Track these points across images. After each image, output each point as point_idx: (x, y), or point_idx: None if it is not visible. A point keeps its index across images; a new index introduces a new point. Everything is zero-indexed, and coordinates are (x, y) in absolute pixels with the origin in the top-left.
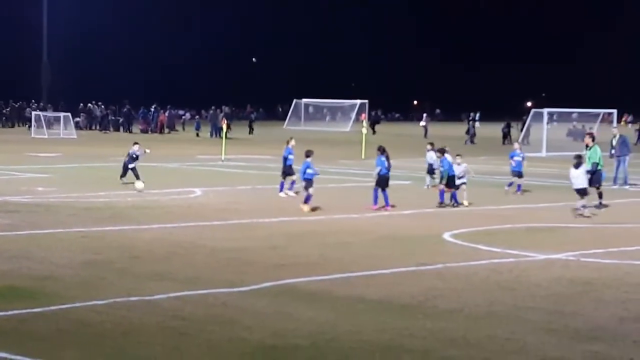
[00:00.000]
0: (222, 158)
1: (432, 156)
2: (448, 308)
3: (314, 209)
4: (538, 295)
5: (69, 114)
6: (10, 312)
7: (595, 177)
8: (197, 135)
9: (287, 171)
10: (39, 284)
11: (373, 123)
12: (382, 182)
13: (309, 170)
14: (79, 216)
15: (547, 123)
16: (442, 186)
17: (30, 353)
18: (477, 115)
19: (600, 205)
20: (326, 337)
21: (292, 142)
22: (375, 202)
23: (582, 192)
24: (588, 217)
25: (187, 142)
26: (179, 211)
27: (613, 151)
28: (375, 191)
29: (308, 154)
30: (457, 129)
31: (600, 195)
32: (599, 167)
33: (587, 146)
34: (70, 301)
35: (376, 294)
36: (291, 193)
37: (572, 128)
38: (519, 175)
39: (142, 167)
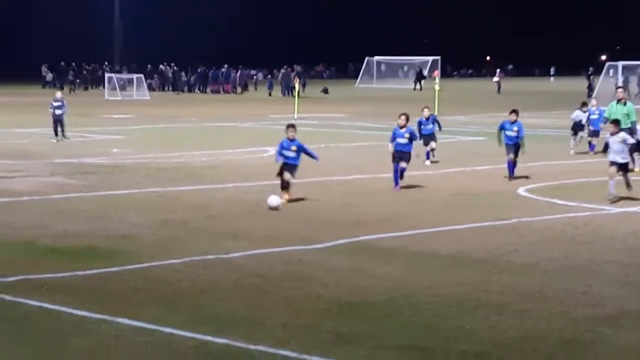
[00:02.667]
0: (295, 117)
1: (579, 115)
2: (524, 262)
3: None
4: (614, 248)
5: (142, 76)
6: (89, 272)
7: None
8: (270, 94)
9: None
10: (117, 244)
11: (418, 78)
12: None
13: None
14: (154, 177)
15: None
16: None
17: (109, 311)
18: (591, 70)
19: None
20: (402, 292)
21: (426, 112)
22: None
23: None
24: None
25: (259, 102)
26: (254, 170)
27: None
28: (396, 168)
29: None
30: (531, 84)
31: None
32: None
33: (618, 101)
34: (148, 260)
35: (451, 250)
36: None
37: None
38: (594, 134)
39: (216, 127)
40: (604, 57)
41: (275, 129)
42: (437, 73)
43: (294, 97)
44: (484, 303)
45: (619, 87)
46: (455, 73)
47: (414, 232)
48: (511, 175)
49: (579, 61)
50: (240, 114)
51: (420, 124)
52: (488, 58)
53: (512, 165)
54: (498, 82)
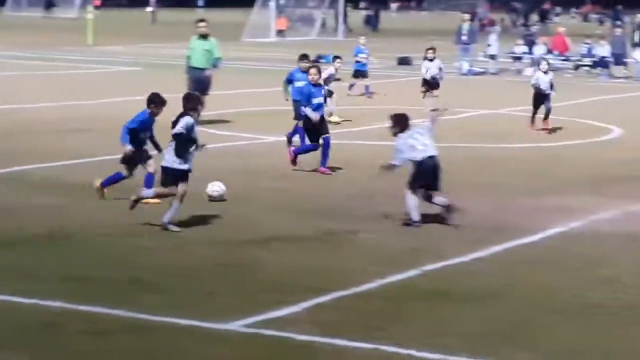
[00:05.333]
0: None
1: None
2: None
3: None
4: (270, 175)
5: None
6: None
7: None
8: None
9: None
10: None
11: (48, 6)
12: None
13: None
14: None
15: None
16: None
17: None
18: None
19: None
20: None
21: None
22: None
23: None
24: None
25: None
26: None
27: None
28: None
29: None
30: (186, 15)
31: None
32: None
33: (200, 35)
34: None
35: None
36: None
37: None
38: (364, 75)
39: None
40: None
41: None
42: (98, 2)
43: None
44: (136, 232)
45: (198, 21)
46: (108, 2)
47: (70, 162)
48: None
49: None
50: None
51: None
52: None
53: None
54: (153, 12)
